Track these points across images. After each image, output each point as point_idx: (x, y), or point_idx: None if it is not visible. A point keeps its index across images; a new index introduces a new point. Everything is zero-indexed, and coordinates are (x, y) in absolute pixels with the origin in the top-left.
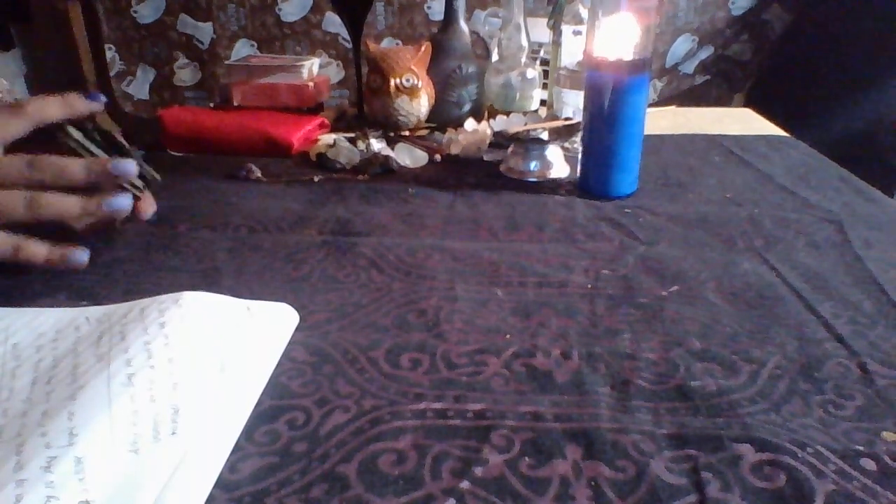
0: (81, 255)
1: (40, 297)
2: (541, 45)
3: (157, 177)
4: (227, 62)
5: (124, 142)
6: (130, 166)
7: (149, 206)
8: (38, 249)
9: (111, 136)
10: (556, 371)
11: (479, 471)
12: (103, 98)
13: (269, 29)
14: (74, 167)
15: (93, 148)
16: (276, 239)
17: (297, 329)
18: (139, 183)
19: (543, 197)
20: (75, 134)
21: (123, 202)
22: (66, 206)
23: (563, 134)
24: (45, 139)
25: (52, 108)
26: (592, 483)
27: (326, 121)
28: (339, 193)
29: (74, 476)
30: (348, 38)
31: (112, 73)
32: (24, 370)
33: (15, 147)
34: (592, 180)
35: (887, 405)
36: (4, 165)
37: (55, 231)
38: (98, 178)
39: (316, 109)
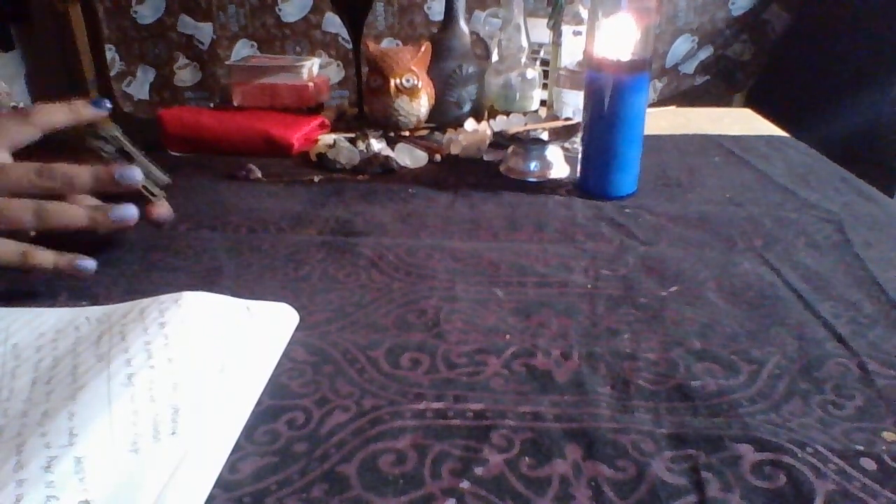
0: (89, 263)
1: (40, 297)
2: (541, 45)
3: (168, 178)
4: (227, 62)
5: (134, 149)
6: (136, 174)
7: (164, 210)
8: (45, 256)
9: (123, 143)
10: (556, 371)
11: (479, 471)
12: (108, 104)
13: (269, 29)
14: (83, 176)
15: (112, 154)
16: (276, 239)
17: (297, 329)
18: (155, 189)
19: (543, 197)
20: (94, 143)
21: (128, 212)
22: (74, 216)
23: (563, 134)
24: (59, 147)
25: (58, 114)
26: (592, 483)
27: (326, 121)
28: (339, 193)
29: (74, 476)
30: (348, 38)
31: (112, 74)
32: (24, 370)
33: (28, 153)
34: (592, 180)
35: (887, 405)
36: (13, 173)
37: (63, 236)
38: (105, 187)
39: (316, 109)
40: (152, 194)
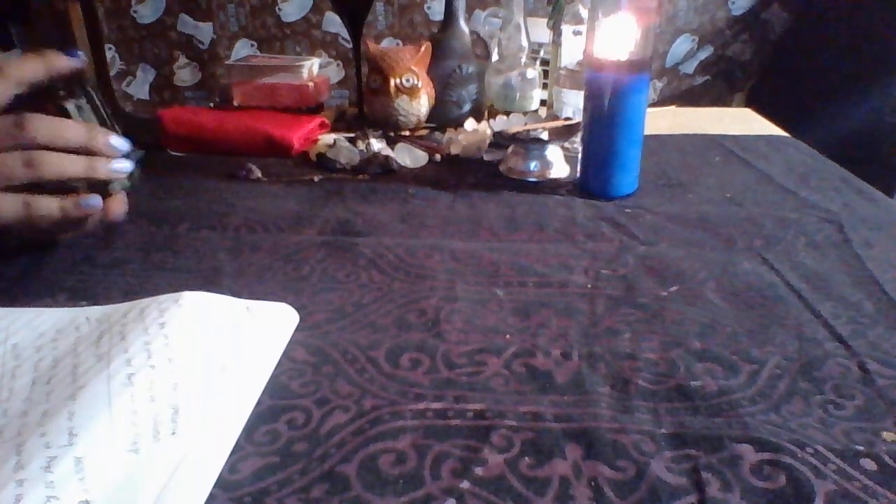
0: (94, 199)
1: (40, 297)
2: (541, 45)
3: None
4: (227, 62)
5: (106, 113)
6: (126, 145)
7: (120, 207)
8: (49, 203)
9: (102, 111)
10: (556, 371)
11: (479, 471)
12: (82, 55)
13: (269, 29)
14: (72, 129)
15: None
16: (276, 239)
17: (297, 329)
18: (126, 182)
19: (543, 197)
20: (70, 107)
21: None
22: (69, 164)
23: (563, 134)
24: (34, 107)
25: (33, 66)
26: (592, 483)
27: (326, 121)
28: (339, 193)
29: (74, 476)
30: (348, 38)
31: (112, 73)
32: (24, 370)
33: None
34: (592, 180)
35: (887, 405)
36: None
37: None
38: (95, 147)
39: (316, 109)
40: (129, 184)
